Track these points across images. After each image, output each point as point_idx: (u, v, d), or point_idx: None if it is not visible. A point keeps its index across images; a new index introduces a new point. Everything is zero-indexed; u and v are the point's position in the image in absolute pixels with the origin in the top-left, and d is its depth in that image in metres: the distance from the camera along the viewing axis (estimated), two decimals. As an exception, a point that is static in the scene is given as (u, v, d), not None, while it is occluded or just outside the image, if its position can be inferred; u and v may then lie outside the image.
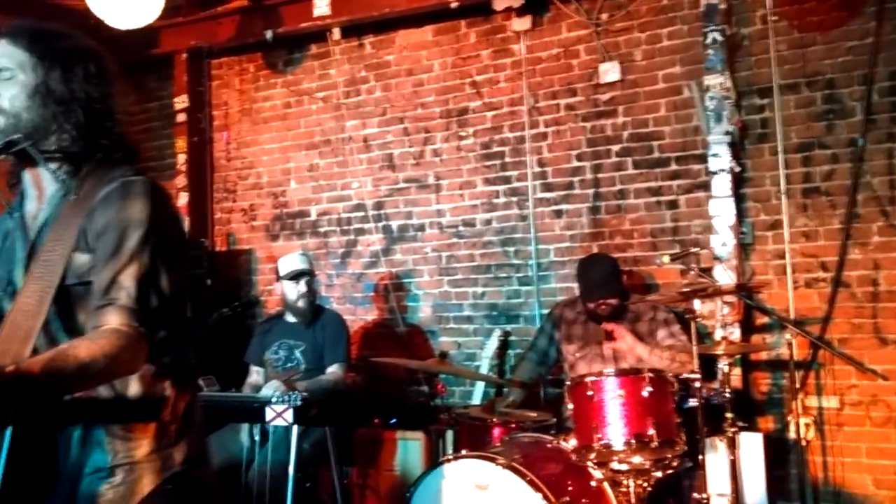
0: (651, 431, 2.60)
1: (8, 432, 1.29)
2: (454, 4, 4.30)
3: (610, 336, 3.31)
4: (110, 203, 1.47)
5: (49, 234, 1.48)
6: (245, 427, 3.55)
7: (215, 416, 3.58)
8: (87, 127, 1.53)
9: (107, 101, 1.57)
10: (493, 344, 4.21)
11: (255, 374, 3.90)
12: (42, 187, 1.56)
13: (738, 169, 3.77)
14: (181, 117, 5.08)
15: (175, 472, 1.50)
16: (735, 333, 3.61)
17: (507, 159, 4.39)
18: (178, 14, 4.95)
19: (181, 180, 5.05)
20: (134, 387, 1.48)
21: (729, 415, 2.91)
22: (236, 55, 5.16)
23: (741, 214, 3.80)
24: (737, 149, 3.79)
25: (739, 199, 3.80)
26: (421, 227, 4.62)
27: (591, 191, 4.18)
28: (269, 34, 4.71)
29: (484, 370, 4.17)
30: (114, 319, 1.39)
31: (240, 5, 4.86)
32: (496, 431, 3.12)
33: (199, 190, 5.13)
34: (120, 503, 1.44)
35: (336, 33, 4.69)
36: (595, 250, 4.07)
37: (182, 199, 5.02)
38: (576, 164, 4.22)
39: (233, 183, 5.19)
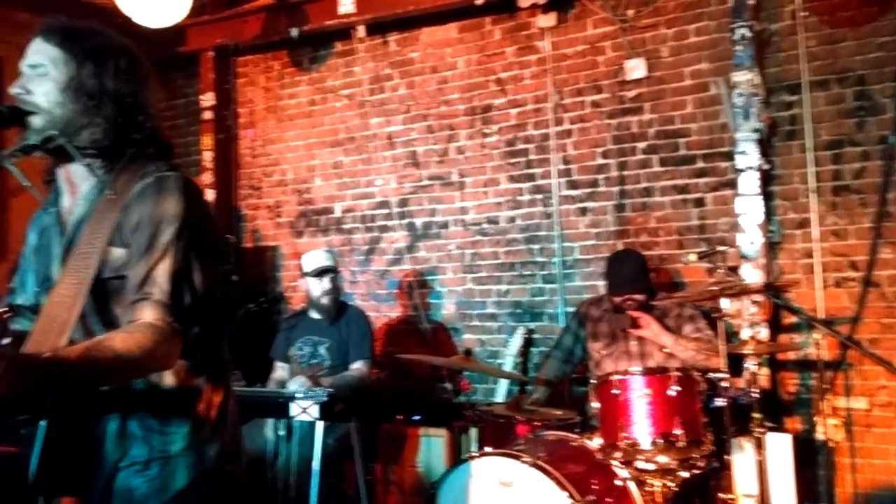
0: (678, 431, 2.59)
1: (43, 424, 1.30)
2: (479, 1, 4.28)
3: (635, 324, 3.29)
4: (145, 198, 1.49)
5: (85, 229, 1.51)
6: (270, 422, 3.59)
7: (241, 411, 3.61)
8: (118, 121, 1.54)
9: (137, 97, 1.59)
10: (516, 342, 4.20)
11: (280, 370, 3.93)
12: (77, 183, 1.58)
13: (766, 166, 3.73)
14: (207, 115, 5.14)
15: (209, 468, 1.52)
16: (762, 333, 3.57)
17: (532, 157, 4.37)
18: (205, 12, 5.00)
19: (207, 177, 5.10)
20: (169, 381, 1.50)
21: (756, 415, 2.87)
22: (262, 53, 5.19)
23: (769, 212, 3.75)
24: (765, 146, 3.75)
25: (767, 197, 3.75)
26: (445, 225, 4.62)
27: (616, 188, 4.15)
28: (294, 32, 4.74)
29: (507, 368, 4.16)
30: (148, 314, 1.41)
31: (265, 3, 4.90)
32: (520, 429, 3.12)
33: (224, 187, 5.18)
34: (155, 496, 1.46)
35: (361, 31, 4.70)
36: (620, 248, 4.05)
37: (208, 196, 5.07)
38: (601, 161, 4.20)
39: (258, 180, 5.23)
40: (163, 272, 1.44)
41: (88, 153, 1.53)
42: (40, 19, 1.60)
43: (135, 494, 1.46)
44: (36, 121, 1.50)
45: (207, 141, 5.13)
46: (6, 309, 1.60)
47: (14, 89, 1.52)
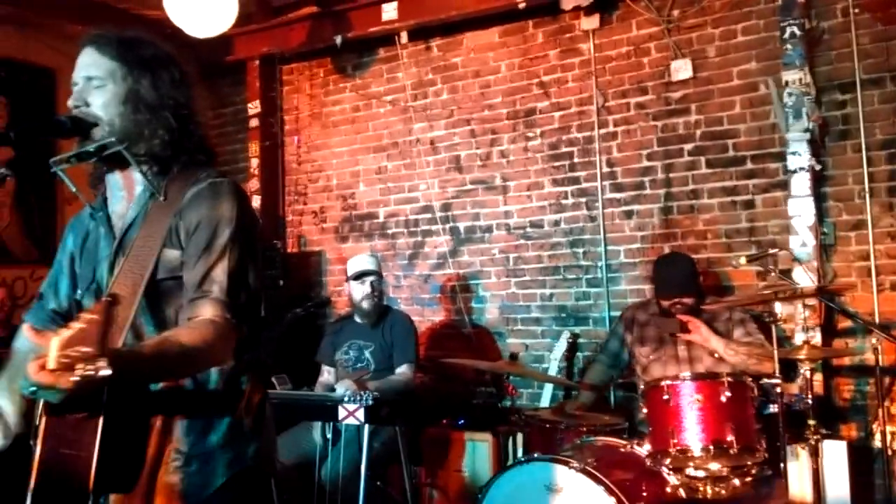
0: (730, 437, 2.54)
1: (100, 422, 1.33)
2: (522, 5, 4.28)
3: (684, 328, 3.24)
4: (201, 202, 1.53)
5: (138, 231, 1.55)
6: (317, 425, 3.62)
7: (289, 414, 3.67)
8: (173, 130, 1.59)
9: (190, 106, 1.63)
10: (561, 346, 4.17)
11: (327, 374, 3.97)
12: (128, 188, 1.62)
13: (818, 167, 3.64)
14: (254, 122, 5.22)
15: (247, 467, 1.55)
16: (816, 337, 3.48)
17: (576, 160, 4.35)
18: (251, 21, 5.08)
19: (254, 184, 5.18)
20: (214, 380, 1.54)
21: (811, 421, 2.81)
22: (306, 60, 5.26)
23: (822, 214, 3.67)
24: (817, 146, 3.67)
25: (820, 198, 3.67)
26: (488, 229, 4.62)
27: (662, 191, 4.10)
28: (338, 39, 4.79)
29: (552, 372, 4.14)
30: (208, 311, 1.46)
31: (310, 11, 4.96)
32: (567, 434, 3.09)
33: (271, 193, 5.26)
34: (195, 492, 1.49)
35: (404, 37, 4.73)
36: (667, 251, 3.99)
37: (255, 202, 5.16)
38: (646, 163, 4.15)
39: (303, 186, 5.30)
40: (221, 271, 1.49)
41: (143, 160, 1.58)
42: (88, 30, 1.64)
43: (176, 489, 1.49)
44: (96, 132, 1.54)
45: (254, 148, 5.22)
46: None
47: (71, 101, 1.57)
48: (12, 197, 4.95)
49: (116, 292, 1.47)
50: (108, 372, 1.13)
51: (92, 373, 1.12)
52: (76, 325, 1.14)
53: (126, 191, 1.62)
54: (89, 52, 1.58)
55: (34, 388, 1.19)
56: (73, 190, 1.66)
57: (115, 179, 1.63)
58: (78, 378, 1.12)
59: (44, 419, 1.32)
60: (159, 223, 1.53)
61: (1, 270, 4.83)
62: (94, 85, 1.56)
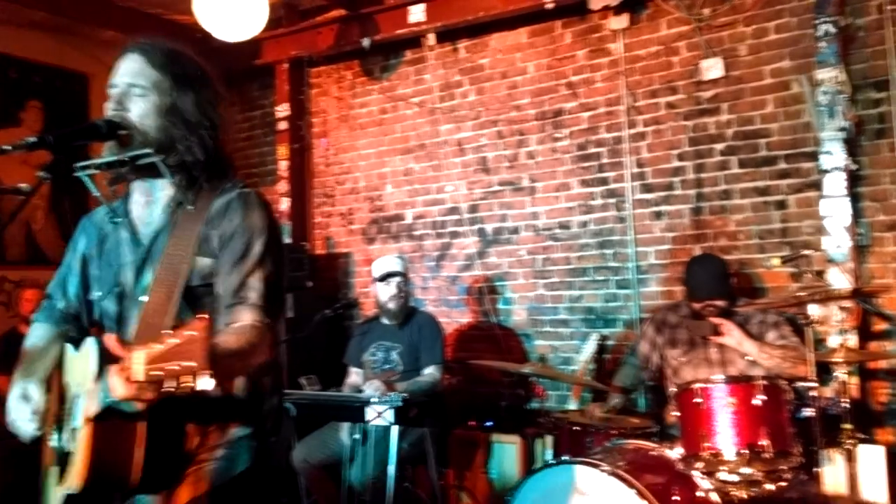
0: (764, 441, 2.49)
1: (144, 425, 1.38)
2: (549, 5, 4.26)
3: (716, 330, 3.19)
4: (233, 212, 1.58)
5: (168, 239, 1.57)
6: (346, 426, 3.64)
7: (318, 415, 3.69)
8: (210, 150, 1.62)
9: (223, 126, 1.67)
10: (590, 348, 4.14)
11: (355, 375, 3.98)
12: (155, 196, 1.64)
13: (853, 167, 3.57)
14: (282, 125, 5.27)
15: (264, 458, 1.62)
16: (852, 340, 3.42)
17: (605, 160, 4.31)
18: (280, 25, 5.13)
19: (282, 186, 5.22)
20: (241, 380, 1.58)
21: (847, 426, 2.76)
22: (334, 63, 5.29)
23: (857, 215, 3.59)
24: (852, 145, 3.59)
25: (855, 198, 3.59)
26: (515, 230, 4.60)
27: (693, 191, 4.05)
28: (366, 42, 4.81)
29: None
30: (246, 316, 1.51)
31: (338, 15, 4.99)
32: (596, 437, 3.06)
33: (299, 195, 5.30)
34: (219, 475, 1.55)
35: (431, 38, 4.74)
36: (698, 252, 3.95)
37: (283, 204, 5.20)
38: (677, 163, 4.10)
39: (331, 188, 5.33)
40: (257, 278, 1.54)
41: (173, 170, 1.60)
42: (125, 37, 1.66)
43: (200, 473, 1.54)
44: (129, 138, 1.56)
45: (283, 150, 5.27)
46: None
47: (110, 104, 1.58)
48: (47, 200, 5.05)
49: (154, 299, 1.50)
50: (211, 383, 1.18)
51: (191, 384, 1.16)
52: (170, 341, 1.16)
53: (153, 198, 1.65)
54: (136, 59, 1.60)
55: (111, 401, 1.24)
56: (97, 195, 1.68)
57: (141, 186, 1.65)
58: (172, 390, 1.16)
59: (91, 424, 1.35)
60: (189, 232, 1.56)
61: (35, 271, 4.92)
62: (137, 93, 1.57)
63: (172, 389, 1.16)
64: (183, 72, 1.61)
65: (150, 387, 1.16)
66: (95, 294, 1.67)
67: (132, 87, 1.58)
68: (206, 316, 1.20)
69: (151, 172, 1.60)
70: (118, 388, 1.19)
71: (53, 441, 1.59)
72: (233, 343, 1.42)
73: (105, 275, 1.65)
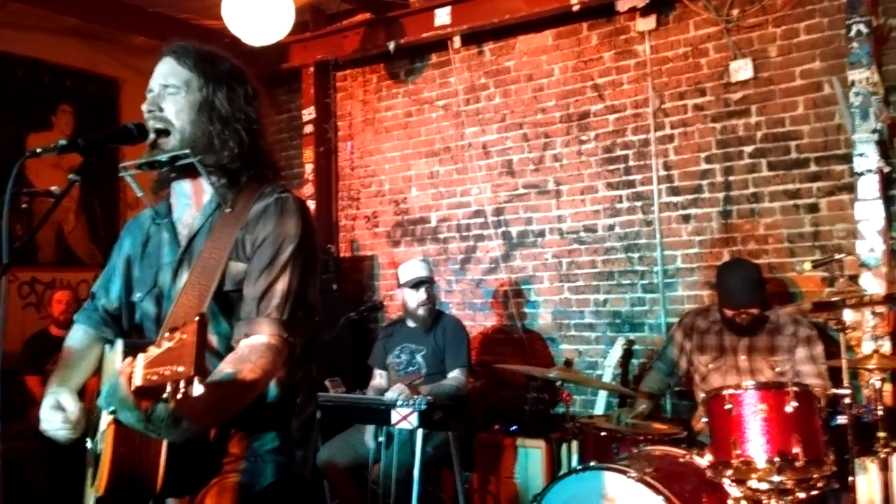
0: (796, 449, 2.45)
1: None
2: (576, 7, 4.24)
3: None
4: (268, 217, 1.55)
5: (205, 242, 1.57)
6: (370, 429, 3.64)
7: (343, 417, 3.70)
8: (246, 145, 1.61)
9: (260, 122, 1.66)
10: (616, 352, 4.10)
11: (379, 378, 3.99)
12: (196, 197, 1.64)
13: (886, 169, 3.50)
14: (308, 128, 5.30)
15: (293, 472, 1.58)
16: (886, 346, 3.34)
17: (631, 163, 4.27)
18: (306, 29, 5.16)
19: (308, 189, 5.25)
20: (273, 393, 1.55)
21: (881, 434, 2.70)
22: (360, 67, 5.32)
23: (891, 218, 3.52)
24: (885, 147, 3.53)
25: (889, 201, 3.52)
26: (541, 233, 4.58)
27: (721, 194, 4.00)
28: (391, 45, 4.83)
29: (606, 379, 4.07)
30: (266, 329, 1.47)
31: (363, 18, 5.01)
32: (623, 443, 3.03)
33: (325, 198, 5.32)
34: (245, 489, 1.52)
35: (456, 41, 4.74)
36: (726, 256, 3.90)
37: (309, 208, 5.21)
38: (704, 166, 4.05)
39: (356, 191, 5.35)
40: (282, 288, 1.51)
41: (212, 170, 1.60)
42: (155, 42, 1.67)
43: (225, 485, 1.52)
44: (167, 140, 1.57)
45: (309, 154, 5.30)
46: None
47: (145, 106, 1.59)
48: (77, 202, 5.12)
49: (184, 301, 1.49)
50: (201, 390, 1.12)
51: (184, 391, 1.11)
52: (165, 345, 1.14)
53: (193, 199, 1.64)
54: (168, 62, 1.61)
55: (114, 409, 1.21)
56: (140, 195, 1.69)
57: (182, 187, 1.65)
58: (168, 398, 1.12)
59: (113, 426, 1.35)
60: (226, 235, 1.55)
61: (66, 273, 5.00)
62: (170, 92, 1.58)
63: (169, 396, 1.12)
64: (214, 69, 1.62)
65: (147, 392, 1.14)
66: (137, 295, 1.67)
67: (165, 88, 1.59)
68: (202, 316, 1.16)
69: (191, 173, 1.60)
70: (121, 389, 1.17)
71: (89, 443, 1.59)
72: (248, 375, 1.38)
73: (145, 276, 1.66)
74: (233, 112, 1.60)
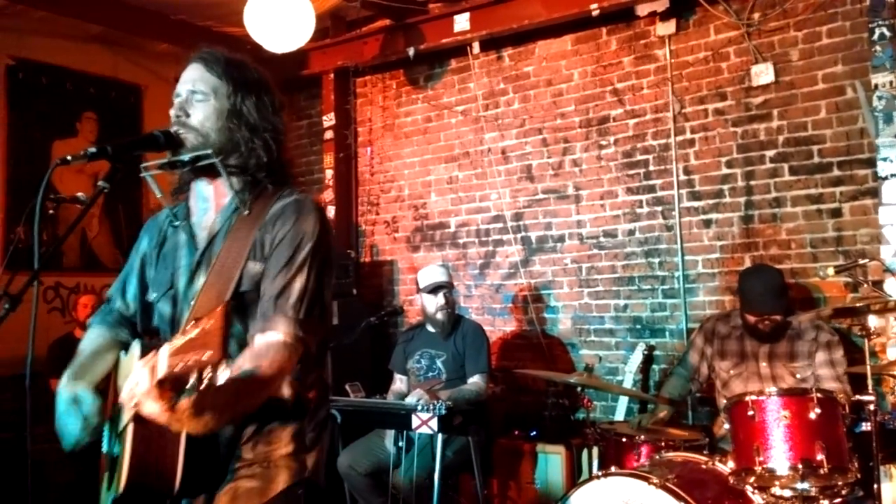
0: (820, 457, 2.42)
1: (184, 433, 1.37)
2: (595, 12, 4.23)
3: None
4: (286, 218, 1.56)
5: (223, 243, 1.58)
6: (390, 433, 3.65)
7: (363, 422, 3.71)
8: (273, 153, 1.63)
9: (283, 132, 1.68)
10: (636, 358, 4.08)
11: (399, 382, 4.00)
12: (216, 199, 1.65)
13: (911, 173, 3.46)
14: (329, 134, 5.34)
15: (305, 478, 1.58)
16: (911, 353, 3.31)
17: (651, 167, 4.26)
18: (326, 36, 5.20)
19: (328, 194, 5.29)
20: (286, 394, 1.55)
21: (907, 441, 2.66)
22: (380, 73, 5.35)
23: (916, 223, 3.48)
24: (910, 151, 3.48)
25: (913, 206, 3.48)
26: (560, 238, 4.57)
27: (742, 199, 3.97)
28: (410, 51, 4.85)
29: (627, 385, 4.05)
30: (281, 327, 1.47)
31: (383, 25, 5.04)
32: (644, 449, 3.02)
33: (345, 203, 5.35)
34: (256, 495, 1.52)
35: (476, 47, 4.76)
36: (748, 262, 3.87)
37: (329, 213, 5.26)
38: (725, 171, 4.03)
39: (376, 196, 5.37)
40: (299, 286, 1.51)
41: (233, 172, 1.61)
42: (178, 49, 1.69)
43: (238, 491, 1.52)
44: (191, 140, 1.58)
45: (329, 159, 5.33)
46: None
47: (173, 112, 1.61)
48: (101, 208, 5.19)
49: (202, 303, 1.50)
50: (227, 375, 1.11)
51: (211, 377, 1.10)
52: (190, 333, 1.14)
53: (212, 202, 1.65)
54: (196, 68, 1.62)
55: (137, 402, 1.19)
56: (159, 195, 1.70)
57: (201, 190, 1.66)
58: (192, 388, 1.11)
59: (131, 426, 1.36)
60: (244, 236, 1.56)
61: (90, 278, 5.06)
62: (197, 98, 1.60)
63: (194, 386, 1.10)
64: (243, 77, 1.63)
65: (172, 381, 1.12)
66: (153, 295, 1.68)
67: (193, 94, 1.60)
68: (227, 303, 1.15)
69: (211, 175, 1.62)
70: (143, 382, 1.16)
71: (105, 446, 1.60)
72: (265, 372, 1.38)
73: (161, 277, 1.67)
74: (260, 121, 1.62)
